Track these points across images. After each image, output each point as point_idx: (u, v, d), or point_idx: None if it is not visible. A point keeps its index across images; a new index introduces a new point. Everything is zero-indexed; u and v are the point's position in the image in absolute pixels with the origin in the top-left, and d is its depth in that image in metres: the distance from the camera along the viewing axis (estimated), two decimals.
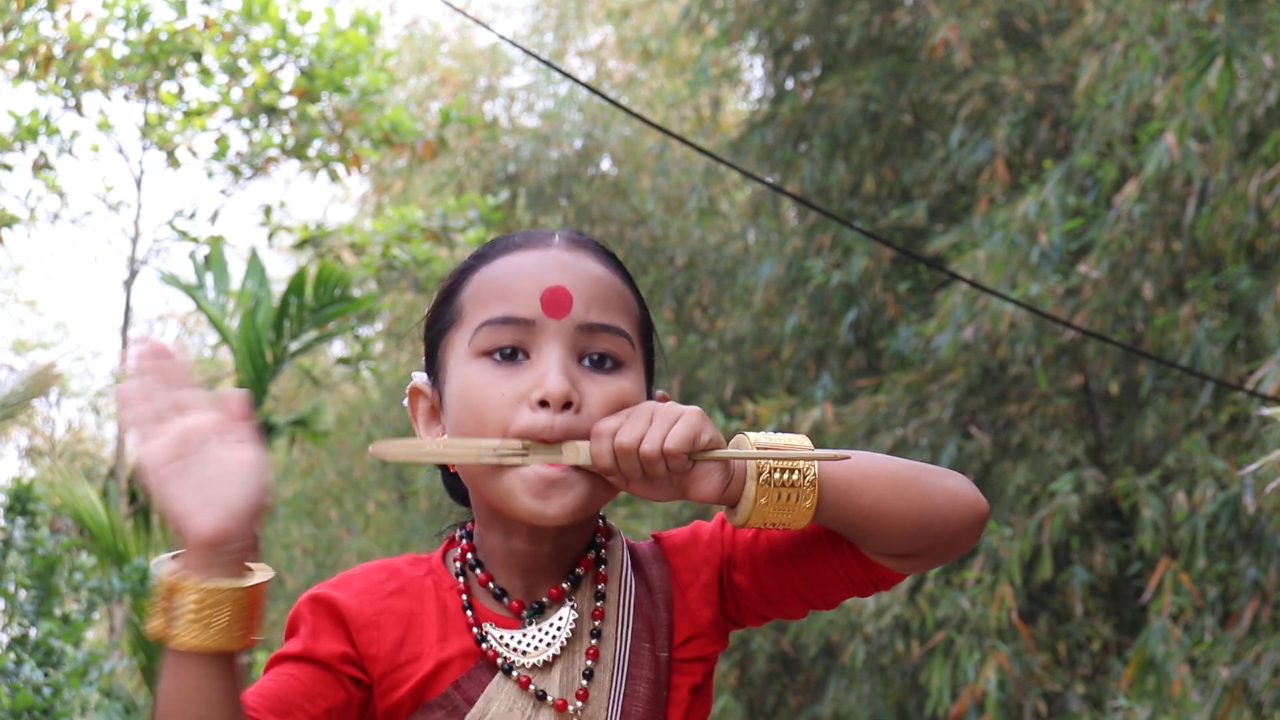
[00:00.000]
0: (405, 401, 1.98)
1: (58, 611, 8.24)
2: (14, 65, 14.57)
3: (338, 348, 17.95)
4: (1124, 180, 9.37)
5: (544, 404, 1.80)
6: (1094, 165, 9.56)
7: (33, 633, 7.92)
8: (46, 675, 7.64)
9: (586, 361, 1.85)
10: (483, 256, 1.94)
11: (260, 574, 1.67)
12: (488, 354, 1.85)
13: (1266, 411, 6.19)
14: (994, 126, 10.81)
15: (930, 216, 11.42)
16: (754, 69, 15.07)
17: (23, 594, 8.06)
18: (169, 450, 1.62)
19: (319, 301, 11.07)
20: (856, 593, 1.90)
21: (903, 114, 11.97)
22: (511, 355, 1.84)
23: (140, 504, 13.71)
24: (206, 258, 12.65)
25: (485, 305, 1.87)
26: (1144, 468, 9.46)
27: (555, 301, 1.84)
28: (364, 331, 15.18)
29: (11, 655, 7.69)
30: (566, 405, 1.80)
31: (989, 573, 9.25)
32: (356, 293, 12.86)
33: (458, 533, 1.98)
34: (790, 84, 12.95)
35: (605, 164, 16.08)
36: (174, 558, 1.66)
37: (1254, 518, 8.03)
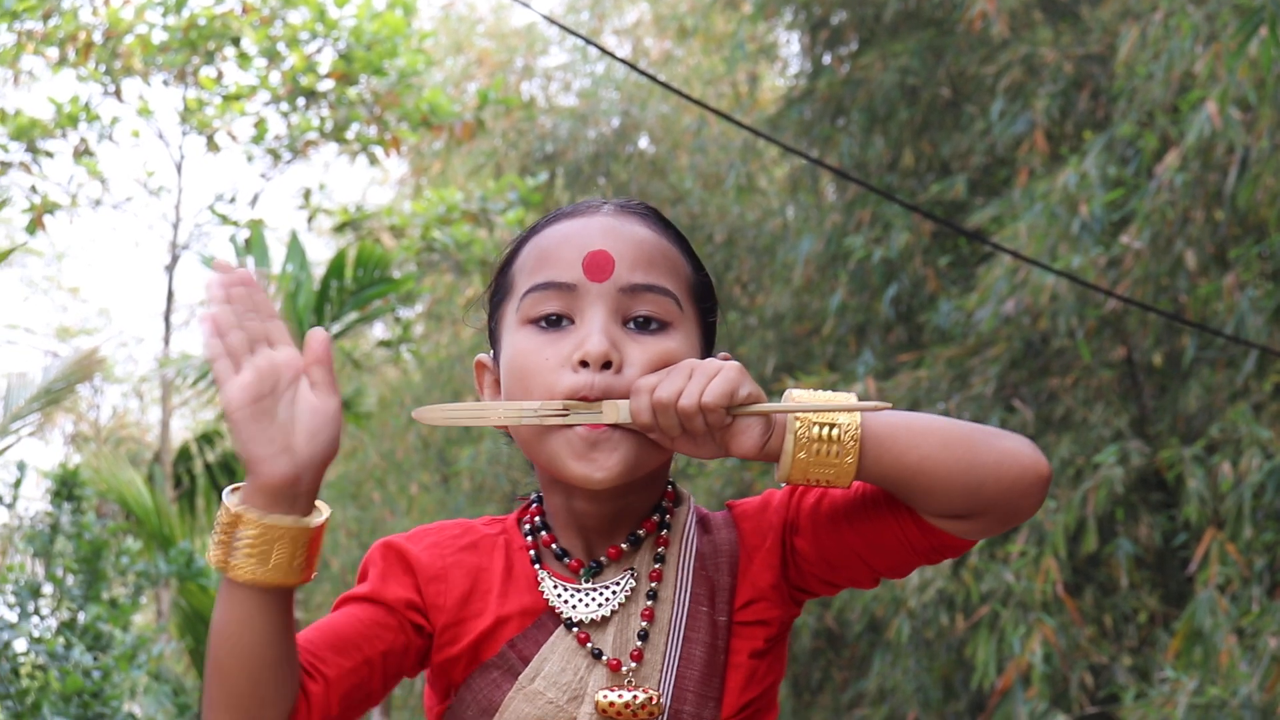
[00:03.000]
0: (475, 378, 2.02)
1: (105, 595, 8.30)
2: (54, 52, 14.65)
3: (379, 330, 18.00)
4: (1165, 150, 9.31)
5: (584, 365, 1.82)
6: (1135, 135, 9.50)
7: (81, 617, 7.98)
8: (95, 659, 7.70)
9: (632, 325, 1.86)
10: (535, 228, 1.97)
11: (321, 513, 1.71)
12: (534, 321, 1.87)
13: None
14: (1033, 98, 10.75)
15: (970, 190, 11.37)
16: (790, 44, 15.02)
17: (71, 579, 8.12)
18: (250, 390, 1.66)
19: (359, 284, 11.12)
20: (921, 559, 1.89)
21: (941, 87, 11.92)
22: (556, 321, 1.86)
23: (185, 488, 13.79)
24: (247, 241, 12.72)
25: (531, 273, 1.90)
26: (1189, 438, 9.42)
27: (596, 265, 1.86)
28: (404, 314, 15.24)
29: (61, 639, 7.75)
30: (606, 365, 1.82)
31: (1033, 546, 9.22)
32: (396, 274, 12.89)
33: (532, 495, 2.00)
34: (827, 59, 12.90)
35: (643, 142, 16.05)
36: (238, 489, 1.70)
37: None
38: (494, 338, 1.97)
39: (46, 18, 14.38)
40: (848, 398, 1.80)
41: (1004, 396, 10.18)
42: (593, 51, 16.76)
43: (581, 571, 1.90)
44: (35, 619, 7.92)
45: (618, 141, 15.83)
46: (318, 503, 1.73)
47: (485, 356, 1.99)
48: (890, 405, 1.79)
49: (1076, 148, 10.61)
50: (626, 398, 1.80)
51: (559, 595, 1.88)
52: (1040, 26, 11.28)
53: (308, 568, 1.71)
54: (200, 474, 13.76)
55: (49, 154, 14.85)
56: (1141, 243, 9.08)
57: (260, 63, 14.78)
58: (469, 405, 1.88)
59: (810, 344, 12.73)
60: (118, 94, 14.98)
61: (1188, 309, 9.22)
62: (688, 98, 5.05)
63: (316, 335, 1.70)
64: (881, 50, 11.91)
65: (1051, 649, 8.94)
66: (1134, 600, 9.68)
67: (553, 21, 5.11)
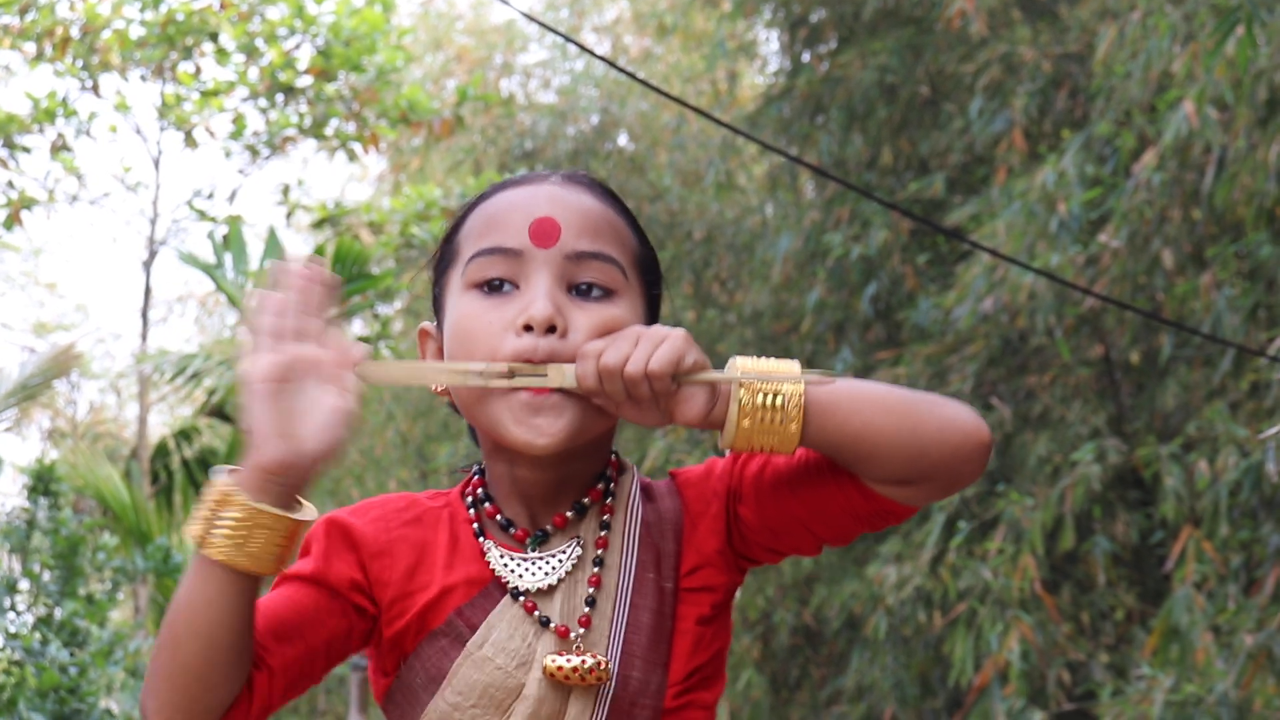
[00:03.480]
0: (418, 346, 2.02)
1: (82, 591, 8.28)
2: (31, 47, 14.60)
3: (357, 327, 17.98)
4: (1143, 149, 9.33)
5: (529, 329, 1.82)
6: (1112, 134, 9.53)
7: (58, 613, 7.96)
8: (72, 655, 7.68)
9: (575, 292, 1.86)
10: (482, 196, 1.97)
11: (306, 512, 1.72)
12: (478, 286, 1.87)
13: None
14: (1012, 96, 10.77)
15: (948, 188, 11.39)
16: (770, 42, 15.03)
17: (47, 574, 8.10)
18: (272, 370, 1.68)
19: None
20: (863, 526, 1.89)
21: (920, 85, 11.94)
22: (500, 286, 1.86)
23: (162, 484, 13.76)
24: (225, 237, 12.69)
25: (477, 239, 1.90)
26: (1165, 436, 9.44)
27: (543, 231, 1.86)
28: (383, 310, 15.21)
29: (37, 635, 7.73)
30: (551, 330, 1.82)
31: (1011, 543, 9.24)
32: (375, 271, 12.88)
33: (474, 467, 2.00)
34: (806, 57, 12.91)
35: (622, 139, 16.06)
36: (232, 471, 1.71)
37: (1277, 484, 8.01)
38: (438, 305, 1.97)
39: (23, 12, 14.33)
40: (792, 366, 1.80)
41: (982, 394, 10.20)
42: (572, 49, 16.76)
43: (528, 540, 1.90)
44: (11, 615, 7.90)
45: (597, 138, 15.84)
46: (305, 501, 1.74)
47: (429, 325, 2.00)
48: (834, 379, 1.80)
49: (1055, 146, 10.63)
50: (571, 362, 1.80)
51: (505, 565, 1.88)
52: (1019, 25, 11.31)
53: (281, 560, 1.71)
54: (178, 470, 13.73)
55: (26, 149, 14.80)
56: (1119, 241, 9.10)
57: (238, 58, 14.76)
58: (414, 364, 1.87)
59: (789, 341, 12.74)
60: (95, 89, 14.94)
61: (1165, 308, 9.25)
62: (667, 95, 5.06)
63: (354, 345, 1.72)
64: (860, 48, 11.92)
65: (1029, 646, 8.96)
66: (1111, 598, 9.71)
67: (532, 19, 5.11)
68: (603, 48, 18.84)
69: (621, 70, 4.89)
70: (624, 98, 15.76)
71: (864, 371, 11.12)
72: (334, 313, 1.73)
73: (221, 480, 1.70)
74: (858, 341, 11.74)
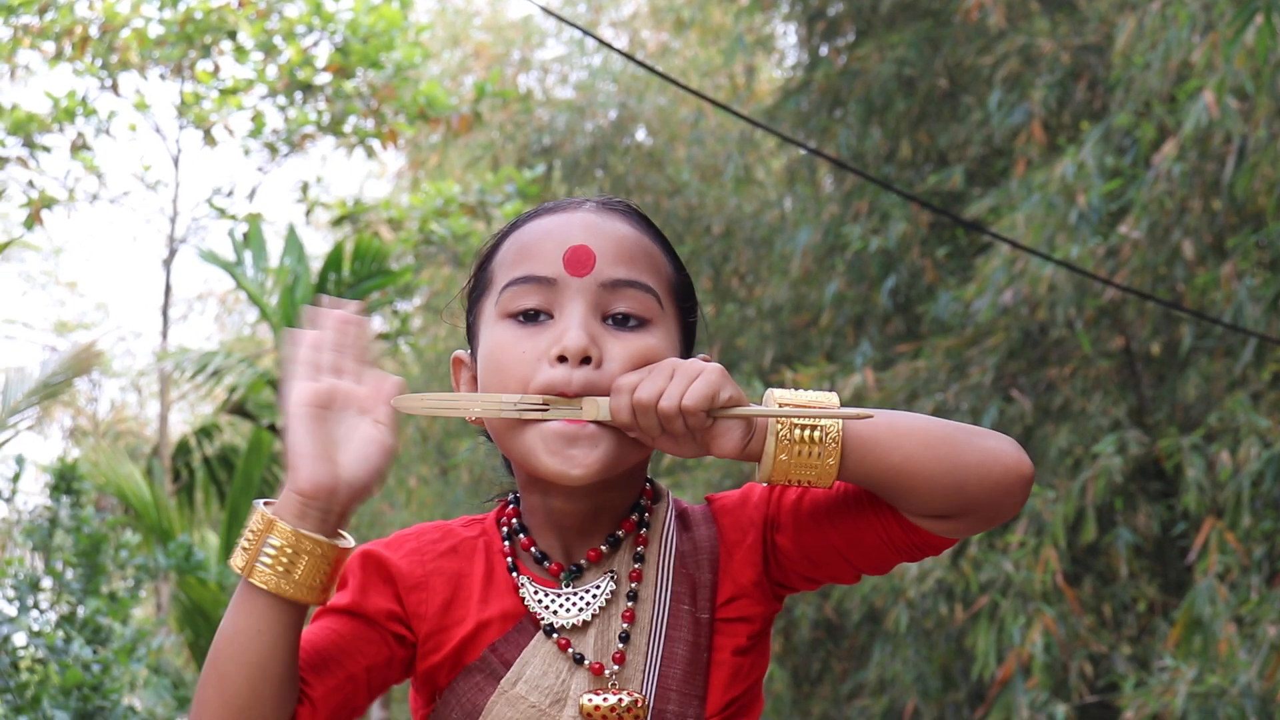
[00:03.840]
0: (451, 374, 2.00)
1: (105, 589, 8.29)
2: (50, 46, 14.63)
3: (377, 323, 17.99)
4: (1162, 140, 9.31)
5: (563, 359, 1.80)
6: (1132, 125, 9.50)
7: (80, 610, 7.97)
8: (95, 652, 7.69)
9: (611, 321, 1.84)
10: (516, 224, 1.95)
11: (347, 541, 1.73)
12: (513, 315, 1.86)
13: None
14: (1030, 88, 10.75)
15: (967, 180, 11.37)
16: (788, 36, 15.02)
17: (70, 572, 8.11)
18: (313, 396, 1.69)
19: (356, 276, 11.11)
20: (902, 557, 1.87)
21: (938, 78, 11.92)
22: (535, 316, 1.85)
23: (183, 482, 13.79)
24: (245, 235, 12.70)
25: (511, 268, 1.88)
26: (1187, 427, 9.42)
27: (577, 260, 1.84)
28: (402, 307, 15.23)
29: (60, 633, 7.74)
30: (586, 361, 1.80)
31: (1033, 536, 9.22)
32: (394, 267, 12.89)
33: (510, 496, 1.98)
34: (824, 50, 12.90)
35: (640, 134, 16.04)
36: (271, 503, 1.71)
37: None
38: (472, 333, 1.95)
39: (43, 12, 14.37)
40: (830, 398, 1.78)
41: (1002, 387, 10.18)
42: (590, 44, 16.76)
43: (561, 576, 1.89)
44: (34, 613, 7.91)
45: (615, 134, 15.83)
46: (345, 532, 1.74)
47: (463, 353, 1.98)
48: (873, 414, 1.78)
49: (1074, 138, 10.61)
50: (605, 394, 1.79)
51: (539, 601, 1.87)
52: (1037, 17, 11.28)
53: (325, 589, 1.71)
54: (199, 467, 13.76)
55: (46, 148, 14.83)
56: (1139, 232, 9.08)
57: (257, 56, 14.77)
58: (449, 395, 1.85)
59: (808, 335, 12.73)
60: (114, 88, 14.97)
61: (1186, 298, 9.22)
62: (686, 88, 5.05)
63: (389, 380, 1.73)
64: (878, 41, 11.90)
65: (1051, 639, 8.95)
66: (1133, 589, 9.69)
67: (550, 13, 5.11)
68: (620, 43, 18.83)
69: (640, 64, 4.89)
70: (642, 93, 15.75)
71: (883, 365, 11.11)
72: (371, 355, 1.74)
73: (262, 509, 1.70)
74: (877, 335, 11.73)
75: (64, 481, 8.32)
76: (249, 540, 1.69)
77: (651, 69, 4.64)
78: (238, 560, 1.69)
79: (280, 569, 1.68)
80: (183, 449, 14.18)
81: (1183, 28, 8.78)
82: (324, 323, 1.73)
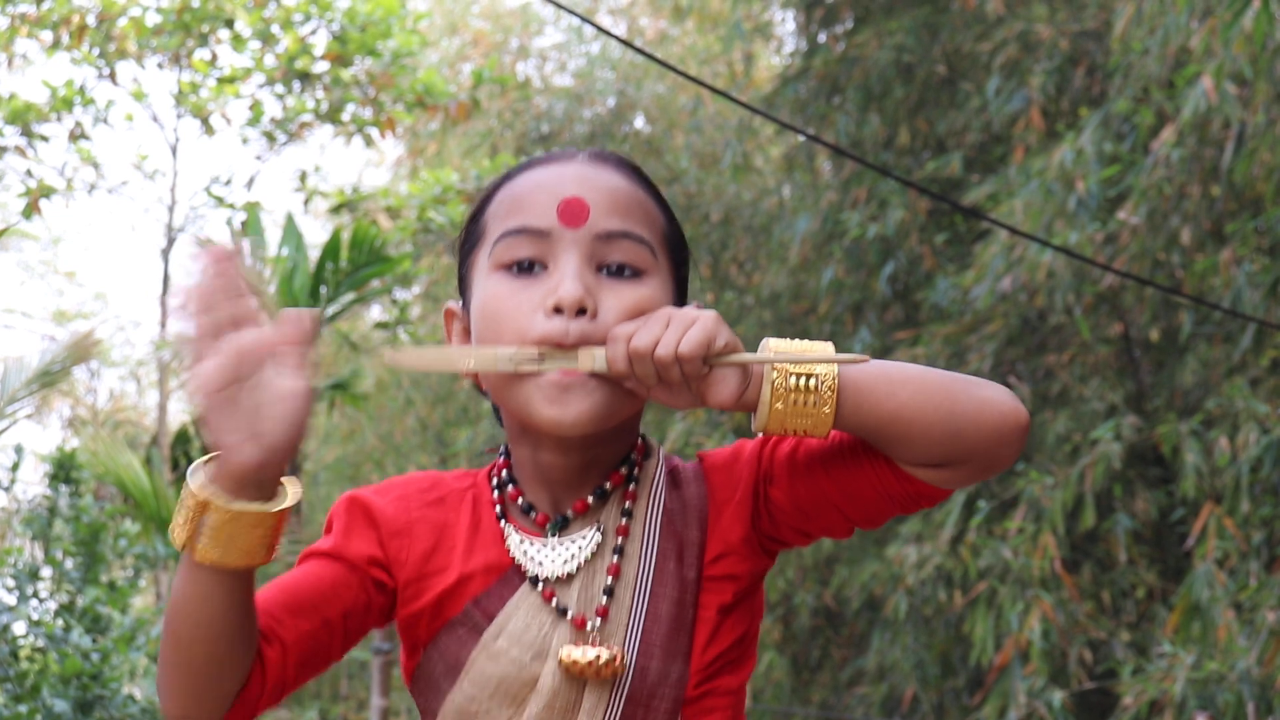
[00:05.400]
0: (444, 326, 1.99)
1: (104, 578, 8.30)
2: (48, 36, 14.62)
3: (376, 312, 17.98)
4: (1161, 125, 9.31)
5: (559, 311, 1.80)
6: (1130, 111, 9.50)
7: (80, 599, 7.98)
8: (94, 641, 7.70)
9: (605, 272, 1.84)
10: (508, 176, 1.95)
11: (288, 496, 1.70)
12: (506, 267, 1.85)
13: None
14: (1029, 75, 10.74)
15: (966, 167, 11.37)
16: (786, 23, 15.01)
17: (69, 561, 8.12)
18: (220, 375, 1.63)
19: (355, 265, 11.09)
20: (897, 508, 1.86)
21: (936, 65, 11.91)
22: (529, 267, 1.84)
23: (182, 470, 13.78)
24: (243, 224, 12.70)
25: (504, 219, 1.88)
26: (1185, 413, 9.42)
27: (571, 211, 1.84)
28: (401, 295, 15.22)
29: (60, 622, 7.75)
30: (581, 312, 1.80)
31: (1031, 522, 9.23)
32: (392, 255, 12.88)
33: (501, 449, 1.98)
34: (823, 37, 12.89)
35: (639, 122, 16.04)
36: (201, 468, 1.68)
37: None
38: (464, 285, 1.95)
39: (40, 1, 14.35)
40: (825, 347, 1.77)
41: (1001, 373, 10.18)
42: (588, 31, 16.74)
43: (547, 526, 1.88)
44: (34, 602, 7.92)
45: (613, 121, 15.83)
46: (285, 482, 1.71)
47: (454, 304, 1.98)
48: (868, 358, 1.77)
49: (1072, 124, 10.60)
50: (601, 344, 1.78)
51: (524, 551, 1.86)
52: (1035, 3, 11.27)
53: (271, 549, 1.69)
54: (198, 456, 13.76)
55: (44, 138, 14.83)
56: (1138, 218, 9.08)
57: (254, 45, 14.75)
58: (444, 349, 1.85)
59: (807, 322, 12.73)
60: (112, 77, 14.96)
61: (1184, 284, 9.22)
62: (684, 75, 5.04)
63: (288, 316, 1.66)
64: (877, 28, 11.90)
65: (1050, 625, 8.95)
66: (1132, 575, 9.70)
67: (548, 0, 5.09)
68: (618, 30, 18.81)
69: (639, 50, 4.88)
70: (640, 80, 15.74)
71: (883, 352, 11.11)
72: (258, 285, 1.66)
73: (198, 485, 1.66)
74: (876, 322, 11.73)
75: (63, 471, 8.33)
76: (186, 516, 1.66)
77: (650, 56, 4.63)
78: (178, 537, 1.67)
79: (221, 542, 1.66)
80: (182, 438, 14.18)
81: (1181, 13, 8.77)
82: (203, 270, 1.64)
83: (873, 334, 11.43)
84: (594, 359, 1.78)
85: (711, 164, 14.92)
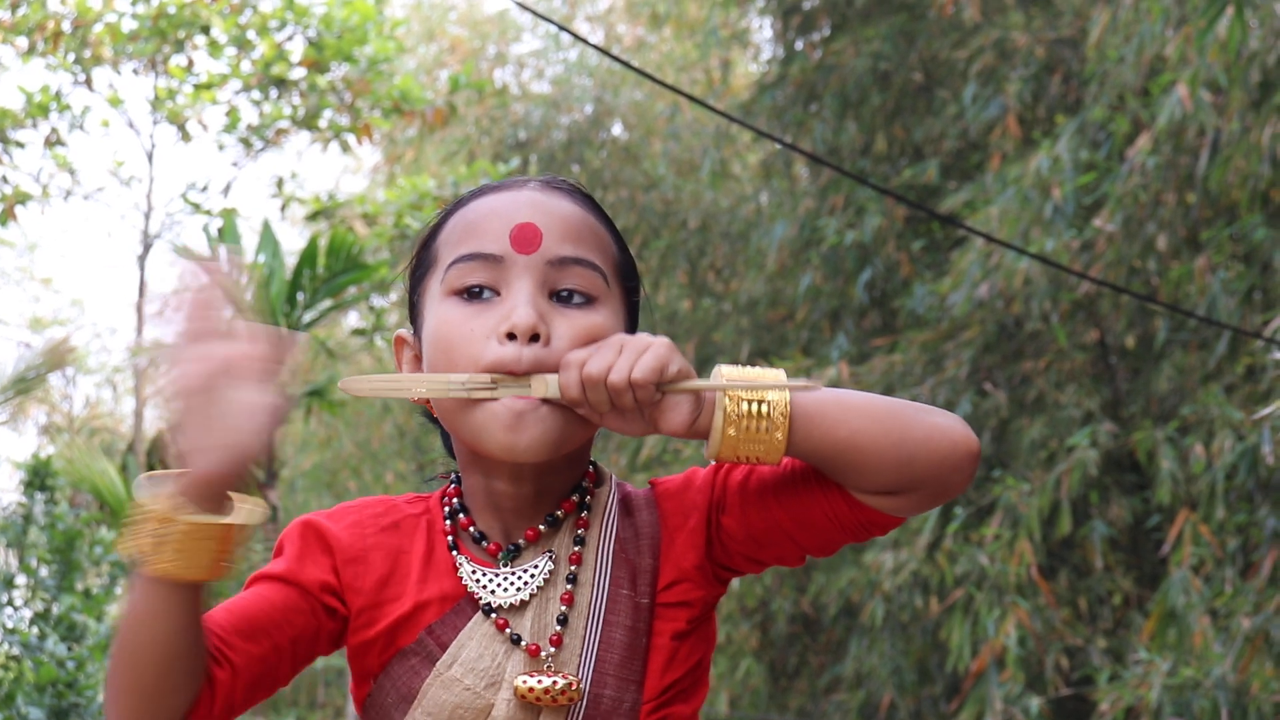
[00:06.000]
0: (394, 353, 1.98)
1: (79, 586, 8.27)
2: (23, 41, 14.58)
3: (353, 319, 17.97)
4: (1137, 133, 9.33)
5: (511, 337, 1.79)
6: (1106, 119, 9.52)
7: (55, 607, 7.95)
8: (70, 649, 7.67)
9: (557, 298, 1.83)
10: (460, 202, 1.94)
11: (248, 512, 1.68)
12: (458, 293, 1.84)
13: None
14: (1005, 82, 10.77)
15: (942, 174, 11.39)
16: (763, 30, 15.02)
17: (44, 569, 8.09)
18: (192, 382, 1.63)
19: (331, 271, 11.08)
20: (849, 536, 1.86)
21: (913, 72, 11.93)
22: (481, 293, 1.83)
23: None
24: (220, 230, 12.68)
25: (456, 245, 1.87)
26: (1161, 420, 9.45)
27: (524, 237, 1.83)
28: (378, 302, 15.20)
29: (35, 630, 7.72)
30: (534, 338, 1.79)
31: (1008, 528, 9.24)
32: (369, 261, 12.87)
33: (452, 475, 1.97)
34: (800, 44, 12.90)
35: (616, 129, 16.05)
36: (158, 483, 1.67)
37: (1273, 467, 8.02)
38: (415, 312, 1.94)
39: (15, 6, 14.32)
40: (777, 374, 1.77)
41: (977, 380, 10.20)
42: (565, 38, 16.74)
43: (500, 555, 1.88)
44: (9, 610, 7.89)
45: (591, 128, 15.83)
46: (249, 499, 1.70)
47: (405, 331, 1.96)
48: (819, 385, 1.77)
49: (1049, 131, 10.63)
50: (553, 371, 1.78)
51: (477, 580, 1.85)
52: (1012, 11, 11.30)
53: (226, 564, 1.68)
54: (173, 463, 13.72)
55: (20, 144, 14.79)
56: (1114, 226, 9.10)
57: (231, 51, 14.73)
58: (395, 376, 1.84)
59: (784, 329, 12.75)
60: (88, 83, 14.92)
61: (1160, 291, 9.25)
62: (661, 83, 5.05)
63: (270, 333, 1.66)
64: (854, 35, 11.91)
65: (1026, 632, 8.97)
66: (1108, 582, 9.72)
67: (525, 8, 5.10)
68: (596, 37, 18.82)
69: (615, 59, 4.89)
70: (618, 87, 15.75)
71: (859, 359, 11.13)
72: (239, 297, 1.67)
73: (154, 496, 1.66)
74: (853, 328, 11.74)
75: (38, 478, 8.30)
76: (140, 529, 1.66)
77: (627, 64, 4.64)
78: (130, 549, 1.66)
79: (179, 558, 1.65)
80: (157, 445, 14.14)
81: (1156, 21, 8.80)
82: (184, 283, 1.65)
83: (850, 340, 11.45)
84: (547, 385, 1.77)
85: (689, 171, 14.93)
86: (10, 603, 7.91)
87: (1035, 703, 8.80)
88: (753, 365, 1.79)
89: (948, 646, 9.49)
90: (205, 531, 1.65)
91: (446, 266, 1.86)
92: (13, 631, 7.59)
